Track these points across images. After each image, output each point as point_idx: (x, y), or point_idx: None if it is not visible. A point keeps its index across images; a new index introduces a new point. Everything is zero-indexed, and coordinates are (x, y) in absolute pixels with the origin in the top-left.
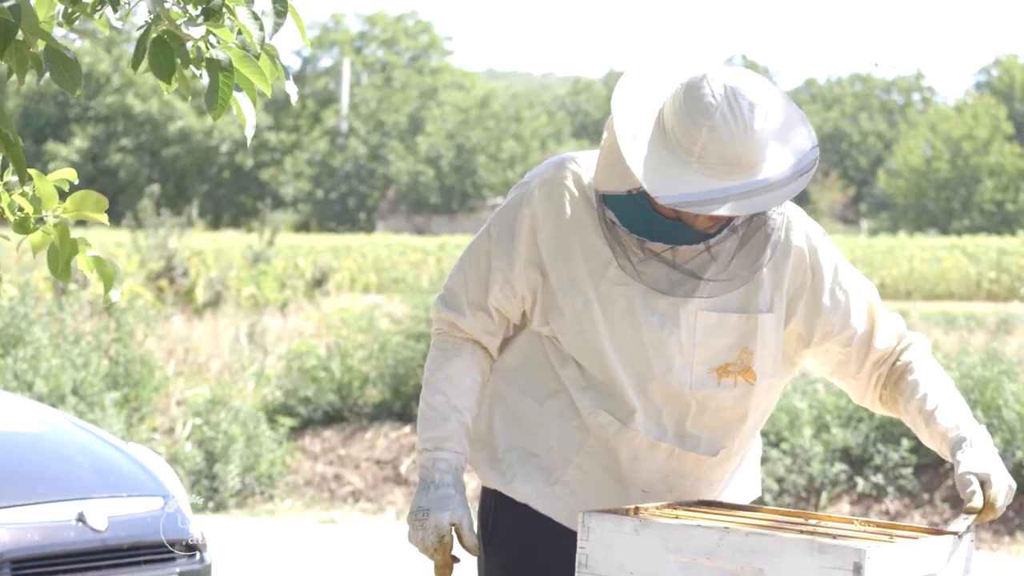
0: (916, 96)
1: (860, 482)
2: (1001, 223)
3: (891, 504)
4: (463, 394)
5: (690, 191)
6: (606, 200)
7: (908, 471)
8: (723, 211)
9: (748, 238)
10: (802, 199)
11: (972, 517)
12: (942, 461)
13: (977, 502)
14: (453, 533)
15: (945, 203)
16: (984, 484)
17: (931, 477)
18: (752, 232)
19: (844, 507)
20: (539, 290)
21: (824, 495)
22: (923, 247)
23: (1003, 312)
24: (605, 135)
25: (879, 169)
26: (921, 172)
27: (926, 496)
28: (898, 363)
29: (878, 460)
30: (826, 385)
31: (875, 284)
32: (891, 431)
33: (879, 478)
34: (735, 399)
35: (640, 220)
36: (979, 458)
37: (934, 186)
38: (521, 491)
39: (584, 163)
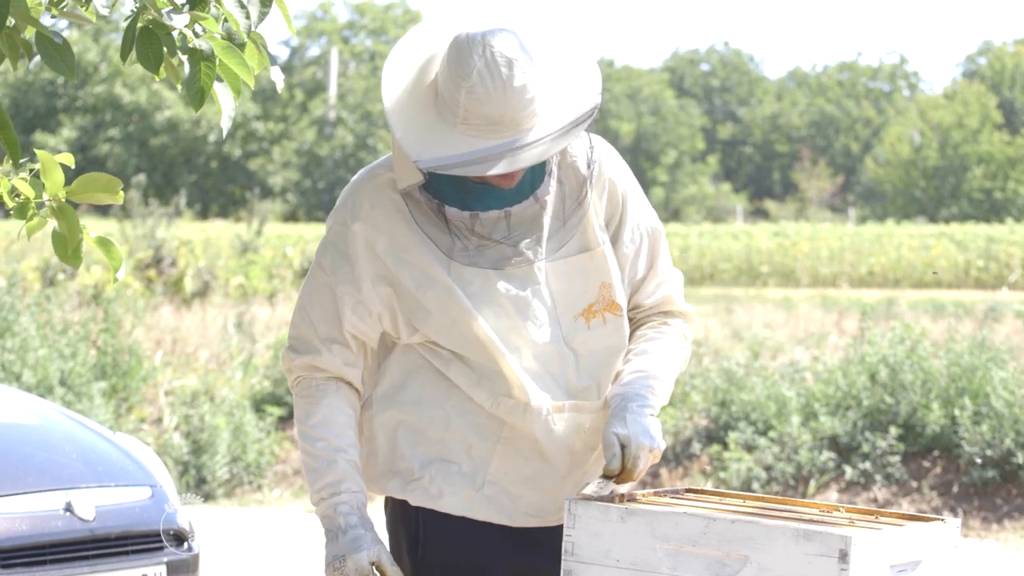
0: (902, 83)
1: (848, 470)
2: (989, 211)
3: (879, 492)
4: (343, 433)
5: (453, 153)
6: (428, 187)
7: (896, 459)
8: (492, 171)
9: (566, 179)
10: (789, 188)
11: (610, 481)
12: (930, 449)
13: (615, 465)
14: (374, 571)
15: (934, 191)
16: (625, 448)
17: (919, 464)
18: (567, 173)
19: (832, 495)
20: (394, 303)
21: (812, 483)
22: (911, 235)
23: (991, 300)
24: (392, 136)
25: (867, 157)
26: (909, 160)
27: (914, 484)
28: (641, 327)
29: (866, 448)
30: (814, 373)
31: (863, 272)
32: (879, 419)
33: (867, 466)
34: (609, 336)
35: (468, 192)
36: (628, 419)
37: (923, 174)
38: (453, 504)
39: (388, 165)
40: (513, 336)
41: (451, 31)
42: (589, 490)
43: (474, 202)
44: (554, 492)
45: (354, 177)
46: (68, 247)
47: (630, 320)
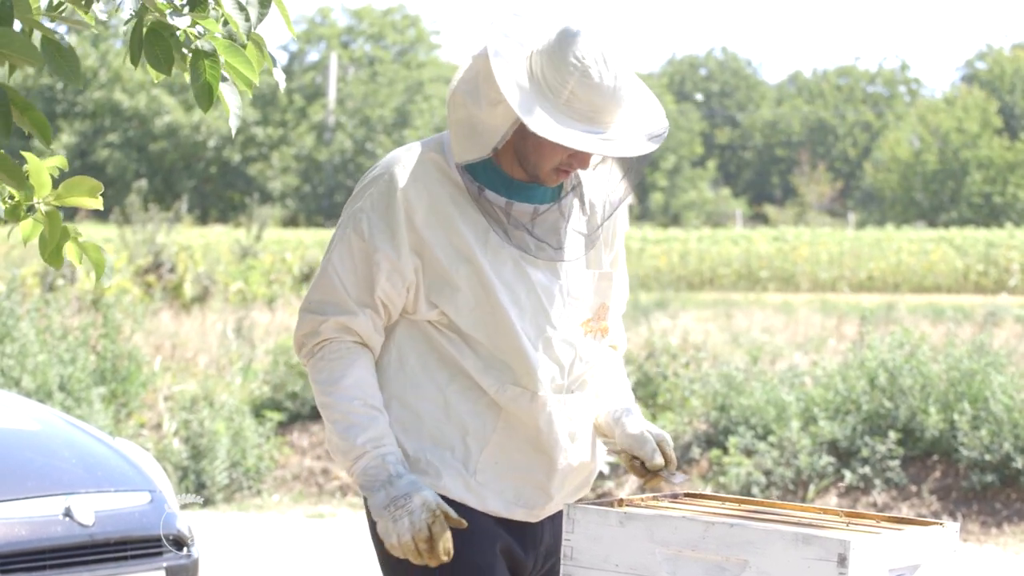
0: (902, 88)
1: (847, 474)
2: (989, 216)
3: (878, 496)
4: (377, 396)
5: (565, 130)
6: (469, 170)
7: (895, 463)
8: (592, 148)
9: (585, 202)
10: (789, 192)
11: (673, 473)
12: (929, 453)
13: (658, 460)
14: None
15: (933, 196)
16: (661, 443)
17: (918, 469)
18: (588, 194)
19: (832, 499)
20: (420, 275)
21: (812, 488)
22: (911, 240)
23: (991, 304)
24: (451, 113)
25: (866, 162)
26: (909, 165)
27: (913, 488)
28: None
29: (865, 452)
30: (813, 378)
31: (863, 277)
32: (878, 423)
33: (866, 470)
34: (595, 352)
35: (501, 183)
36: (643, 420)
37: (922, 179)
38: (451, 488)
39: (431, 146)
40: (538, 320)
41: (534, 26)
42: (671, 482)
43: (508, 193)
44: (544, 485)
45: (390, 153)
46: (48, 247)
47: None
